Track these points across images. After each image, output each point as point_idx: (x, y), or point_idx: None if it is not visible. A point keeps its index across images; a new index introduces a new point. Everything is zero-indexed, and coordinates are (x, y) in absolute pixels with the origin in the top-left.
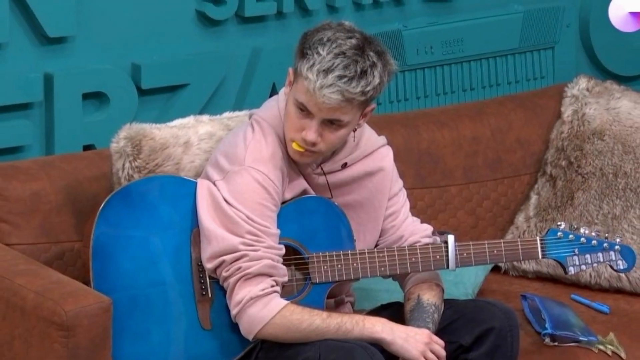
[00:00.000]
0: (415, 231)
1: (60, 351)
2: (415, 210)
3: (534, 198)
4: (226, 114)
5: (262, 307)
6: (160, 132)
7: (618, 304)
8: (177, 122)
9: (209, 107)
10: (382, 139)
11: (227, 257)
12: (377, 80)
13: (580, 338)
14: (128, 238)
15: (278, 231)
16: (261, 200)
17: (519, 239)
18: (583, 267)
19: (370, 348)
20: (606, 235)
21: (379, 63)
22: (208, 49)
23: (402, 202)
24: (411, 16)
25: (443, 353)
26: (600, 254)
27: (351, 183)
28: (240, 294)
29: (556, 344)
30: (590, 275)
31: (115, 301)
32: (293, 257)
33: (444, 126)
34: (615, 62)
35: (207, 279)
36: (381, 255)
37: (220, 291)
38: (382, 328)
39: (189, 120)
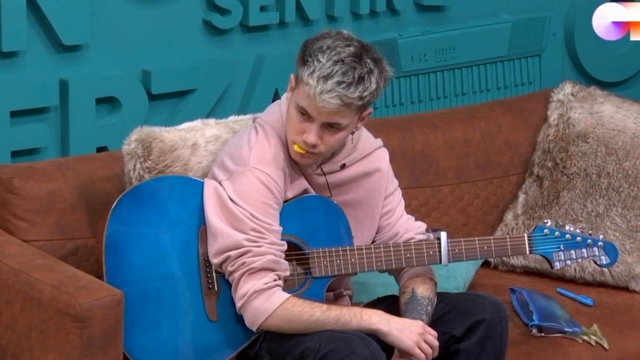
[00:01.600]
0: (410, 228)
1: (75, 341)
2: (409, 209)
3: (521, 197)
4: (231, 118)
5: (266, 300)
6: (169, 134)
7: (601, 297)
8: (185, 125)
9: (215, 111)
10: (379, 141)
11: (233, 253)
12: (373, 86)
13: (566, 329)
14: (139, 235)
15: (280, 228)
16: (264, 199)
17: (507, 236)
18: (568, 262)
19: (367, 338)
20: (590, 232)
21: (375, 69)
22: (214, 56)
23: (397, 200)
24: (406, 25)
25: (436, 343)
26: (584, 250)
27: (349, 183)
28: (245, 287)
29: (543, 334)
30: (575, 270)
31: (127, 294)
32: (294, 252)
33: (437, 129)
34: (599, 69)
35: (214, 274)
36: (378, 251)
37: (226, 285)
38: (378, 320)
39: (197, 123)
